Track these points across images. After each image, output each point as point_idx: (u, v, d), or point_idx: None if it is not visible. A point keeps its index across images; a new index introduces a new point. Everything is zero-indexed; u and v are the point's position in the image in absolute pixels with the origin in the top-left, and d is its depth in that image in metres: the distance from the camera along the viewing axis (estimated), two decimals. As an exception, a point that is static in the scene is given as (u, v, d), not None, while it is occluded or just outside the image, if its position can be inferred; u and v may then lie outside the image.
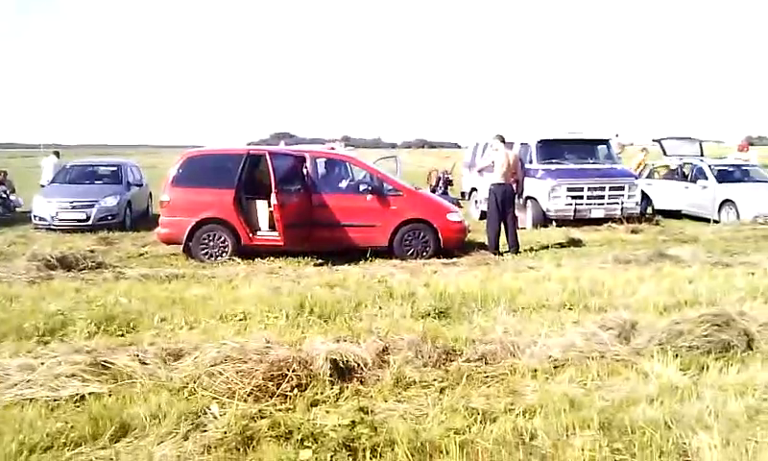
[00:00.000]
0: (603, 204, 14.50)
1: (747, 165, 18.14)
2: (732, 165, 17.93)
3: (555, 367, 5.03)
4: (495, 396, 4.54)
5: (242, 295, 7.47)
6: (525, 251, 11.29)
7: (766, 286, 7.82)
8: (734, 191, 15.80)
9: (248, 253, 10.40)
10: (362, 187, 10.92)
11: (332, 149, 13.26)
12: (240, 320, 6.45)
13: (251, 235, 10.44)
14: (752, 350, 5.28)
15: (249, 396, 4.40)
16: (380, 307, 6.91)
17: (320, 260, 10.03)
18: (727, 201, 15.71)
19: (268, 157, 10.01)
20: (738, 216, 15.22)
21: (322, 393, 4.52)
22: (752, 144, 31.42)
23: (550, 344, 5.37)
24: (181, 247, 10.47)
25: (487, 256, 10.28)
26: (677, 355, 5.09)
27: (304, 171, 10.67)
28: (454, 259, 10.01)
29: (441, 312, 6.72)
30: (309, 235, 10.34)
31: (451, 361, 5.10)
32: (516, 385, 4.73)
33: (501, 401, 4.41)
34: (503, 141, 11.34)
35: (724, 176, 16.60)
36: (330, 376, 4.69)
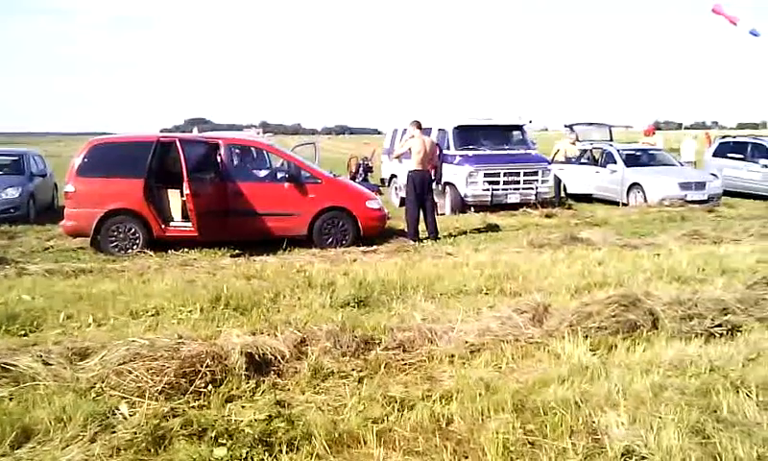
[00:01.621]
0: (519, 189, 14.82)
1: (653, 149, 18.97)
2: (640, 150, 18.71)
3: (471, 352, 5.10)
4: (413, 383, 4.57)
5: (154, 289, 7.22)
6: (444, 237, 11.42)
7: (671, 266, 8.19)
8: (642, 175, 16.49)
9: (160, 244, 10.06)
10: (279, 175, 10.74)
11: (260, 134, 12.97)
12: (152, 315, 6.24)
13: (163, 226, 10.10)
14: (657, 328, 5.48)
15: (160, 394, 4.24)
16: (299, 298, 6.83)
17: (237, 251, 9.82)
18: (635, 184, 16.38)
19: (179, 145, 9.69)
20: (646, 199, 15.89)
21: (237, 388, 4.41)
22: (659, 129, 32.98)
23: (467, 329, 5.43)
24: (89, 240, 10.02)
25: (406, 243, 10.34)
26: (587, 336, 5.25)
27: (218, 159, 10.37)
28: (374, 247, 10.01)
29: (360, 301, 6.70)
30: (225, 225, 10.09)
31: (370, 350, 5.08)
32: (434, 371, 4.78)
33: (419, 388, 4.44)
34: (420, 127, 11.39)
35: (632, 160, 17.28)
36: (246, 370, 4.59)
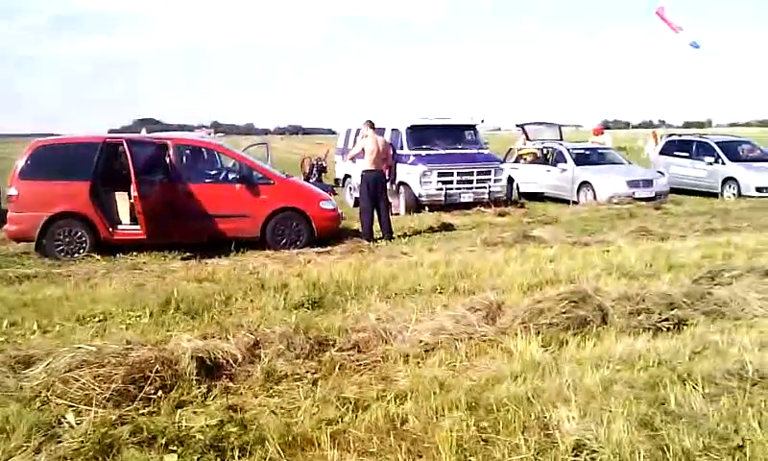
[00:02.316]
0: (472, 188, 14.95)
1: (602, 148, 19.38)
2: (589, 149, 19.09)
3: (426, 351, 5.11)
4: (368, 383, 4.55)
5: (101, 294, 7.05)
6: (399, 236, 11.44)
7: (620, 263, 8.36)
8: (591, 174, 16.82)
9: (108, 248, 9.82)
10: (230, 176, 10.60)
11: (211, 134, 12.77)
12: (99, 321, 6.10)
13: (110, 229, 9.85)
14: (606, 324, 5.58)
15: (108, 401, 4.13)
16: (251, 300, 6.75)
17: (187, 253, 9.64)
18: (585, 183, 16.70)
19: (126, 146, 9.46)
20: (595, 197, 16.21)
21: (188, 393, 4.34)
22: (607, 128, 33.74)
23: (421, 328, 5.45)
24: (34, 244, 9.71)
25: (361, 244, 10.31)
26: (539, 333, 5.30)
27: (167, 160, 10.16)
28: (328, 248, 9.96)
29: (314, 302, 6.66)
30: (175, 228, 9.88)
31: (324, 351, 5.05)
32: (389, 371, 4.77)
33: (373, 389, 4.43)
34: (372, 127, 11.38)
35: (582, 159, 17.60)
36: (197, 374, 4.52)
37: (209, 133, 28.42)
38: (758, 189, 17.25)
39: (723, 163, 18.30)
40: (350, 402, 4.18)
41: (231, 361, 4.79)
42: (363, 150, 11.21)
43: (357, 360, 4.95)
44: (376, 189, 11.15)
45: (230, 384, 4.55)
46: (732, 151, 18.90)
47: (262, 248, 10.04)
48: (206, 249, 9.76)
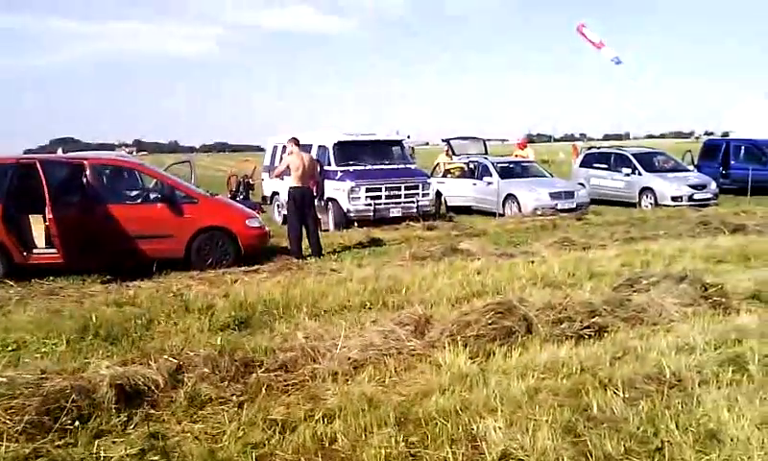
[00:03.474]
0: (400, 203, 15.04)
1: (526, 162, 19.88)
2: (513, 162, 19.54)
3: (355, 368, 5.08)
4: (296, 404, 4.48)
5: (15, 321, 6.71)
6: (328, 253, 11.37)
7: (544, 273, 8.56)
8: (516, 187, 17.21)
9: (23, 273, 9.35)
10: (152, 196, 10.29)
11: (133, 153, 12.38)
12: (12, 350, 5.83)
13: (25, 254, 9.39)
14: (531, 333, 5.68)
15: (20, 434, 3.92)
16: (175, 323, 6.56)
17: (108, 277, 9.28)
18: (510, 195, 17.06)
19: (40, 167, 9.05)
20: (520, 209, 16.58)
21: (107, 422, 4.17)
22: (532, 141, 34.73)
23: (350, 345, 5.41)
24: (-59, 272, 9.15)
25: (290, 261, 10.18)
26: (466, 345, 5.35)
27: (84, 180, 9.78)
28: (256, 266, 9.78)
29: (241, 322, 6.54)
30: (93, 250, 9.48)
31: (251, 373, 4.95)
32: (317, 390, 4.70)
33: (301, 409, 4.36)
34: (297, 144, 11.31)
35: (506, 172, 18.00)
36: (116, 402, 4.35)
37: (131, 152, 27.68)
38: (674, 198, 18.03)
39: (640, 174, 19.05)
40: (277, 424, 4.11)
41: (153, 387, 4.64)
42: (289, 167, 11.11)
43: (285, 380, 4.87)
44: (304, 206, 11.07)
45: (152, 411, 4.39)
46: (648, 162, 19.71)
47: (187, 269, 9.77)
48: (128, 271, 9.42)
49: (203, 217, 10.19)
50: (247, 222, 10.54)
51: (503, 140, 28.64)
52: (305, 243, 11.20)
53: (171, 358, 5.03)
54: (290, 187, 11.14)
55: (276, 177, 12.56)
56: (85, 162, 9.96)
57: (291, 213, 11.19)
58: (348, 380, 4.87)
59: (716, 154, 23.37)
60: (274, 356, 5.22)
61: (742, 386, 4.37)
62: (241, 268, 9.64)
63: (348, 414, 4.18)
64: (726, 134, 27.22)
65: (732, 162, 22.64)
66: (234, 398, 4.56)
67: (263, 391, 4.66)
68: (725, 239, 11.20)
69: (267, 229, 11.27)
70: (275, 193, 16.67)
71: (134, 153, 33.19)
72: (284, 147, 12.48)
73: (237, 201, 17.34)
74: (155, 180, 10.70)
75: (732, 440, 3.61)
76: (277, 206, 16.53)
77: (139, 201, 10.30)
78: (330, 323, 6.38)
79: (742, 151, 22.79)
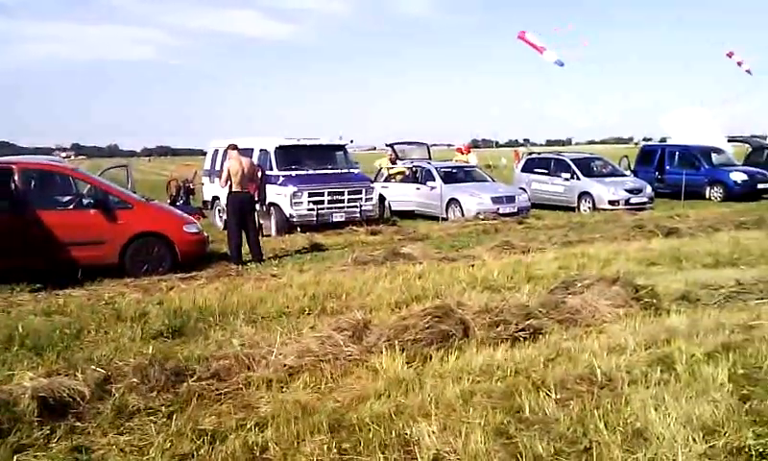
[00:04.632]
0: (343, 208, 14.98)
1: (469, 167, 20.10)
2: (456, 167, 19.74)
3: (290, 375, 5.01)
4: (227, 413, 4.38)
5: (-67, 334, 6.37)
6: (269, 258, 11.23)
7: (484, 276, 8.65)
8: (458, 191, 17.36)
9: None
10: (85, 201, 9.95)
11: (70, 157, 11.94)
12: (-70, 363, 5.51)
13: (-50, 262, 8.96)
14: (468, 337, 5.71)
15: (-66, 452, 3.72)
16: (106, 332, 6.38)
17: (37, 285, 8.92)
18: (453, 200, 17.20)
19: (-36, 172, 8.66)
20: (463, 213, 16.74)
21: (28, 436, 4.00)
22: (477, 147, 35.21)
23: (286, 352, 5.33)
24: None
25: (229, 267, 10.01)
26: (403, 349, 5.33)
27: (12, 186, 9.39)
28: (194, 273, 9.55)
29: (175, 331, 6.39)
30: (22, 257, 9.12)
31: (182, 382, 4.81)
32: (251, 399, 4.63)
33: (233, 418, 4.27)
34: (235, 149, 11.16)
35: (449, 177, 18.16)
36: (39, 415, 4.17)
37: (68, 156, 26.85)
38: (611, 202, 18.48)
39: (578, 179, 19.47)
40: (207, 434, 4.01)
41: (79, 399, 4.47)
42: (228, 172, 10.92)
43: (217, 389, 4.76)
44: (243, 211, 10.91)
45: (77, 424, 4.23)
46: (586, 167, 20.16)
47: (122, 276, 9.48)
48: (59, 279, 9.08)
49: (137, 223, 9.92)
50: (184, 227, 10.31)
51: (449, 145, 28.97)
52: (246, 249, 11.03)
53: (99, 369, 4.88)
54: (229, 192, 10.96)
55: (223, 186, 12.27)
56: (14, 167, 9.57)
57: (230, 218, 11.01)
58: (282, 388, 4.80)
59: (652, 159, 24.12)
60: (206, 364, 5.10)
61: (669, 385, 4.47)
62: (178, 275, 9.42)
63: (281, 422, 4.12)
64: (664, 140, 28.14)
65: (667, 167, 23.40)
66: (164, 408, 4.43)
67: (194, 400, 4.54)
68: (659, 242, 11.55)
69: (205, 234, 11.06)
70: (215, 198, 16.38)
71: (73, 157, 32.23)
72: (225, 152, 12.28)
73: (177, 206, 17.02)
74: (88, 185, 10.36)
75: (658, 438, 3.68)
76: (218, 211, 16.24)
77: (71, 206, 9.94)
78: (268, 329, 6.31)
79: (677, 156, 23.56)
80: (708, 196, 21.91)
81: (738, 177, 21.93)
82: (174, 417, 4.29)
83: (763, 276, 7.86)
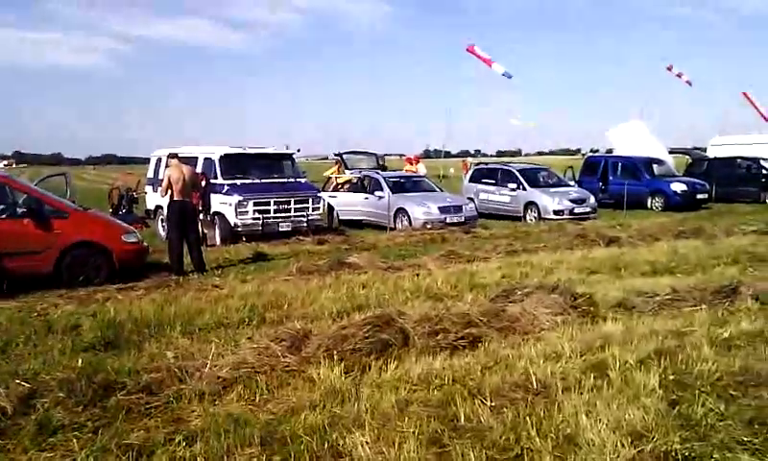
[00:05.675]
0: (290, 217, 14.84)
1: (417, 177, 20.19)
2: (404, 177, 19.80)
3: (224, 387, 4.90)
4: (156, 427, 4.25)
5: None
6: (212, 269, 11.01)
7: (428, 285, 8.65)
8: (406, 201, 17.40)
9: None
10: (18, 210, 9.59)
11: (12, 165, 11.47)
12: None
13: None
14: (408, 345, 5.69)
15: None
16: (35, 345, 6.12)
17: (-35, 297, 8.55)
18: (400, 209, 17.22)
19: None
20: (411, 223, 16.77)
21: (-57, 456, 3.79)
22: (428, 157, 35.46)
23: (222, 364, 5.22)
24: None
25: (169, 278, 9.78)
26: (342, 359, 5.28)
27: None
28: (132, 283, 9.30)
29: (108, 343, 6.18)
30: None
31: (110, 396, 4.65)
32: (182, 412, 4.50)
33: (162, 433, 4.13)
34: (176, 157, 10.95)
35: (397, 187, 18.18)
36: (-45, 434, 3.97)
37: (9, 164, 25.94)
38: (556, 212, 18.82)
39: (524, 189, 19.77)
40: (134, 449, 3.87)
41: (0, 415, 4.28)
42: (169, 181, 10.68)
43: (147, 403, 4.62)
44: (185, 220, 10.68)
45: (-3, 441, 4.03)
46: (532, 178, 20.49)
47: (57, 286, 9.17)
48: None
49: (73, 232, 9.60)
50: (123, 237, 10.04)
51: (401, 155, 29.05)
52: (188, 259, 10.80)
53: (23, 383, 4.69)
54: (170, 201, 10.73)
55: (163, 195, 12.01)
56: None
57: (171, 228, 10.77)
58: (215, 400, 4.68)
59: (596, 170, 24.70)
60: (137, 378, 4.94)
61: (602, 391, 4.52)
62: (115, 285, 9.15)
63: (212, 435, 4.01)
64: (610, 151, 28.83)
65: (611, 178, 23.99)
66: (90, 423, 4.28)
67: (122, 415, 4.39)
68: (600, 251, 11.78)
69: (145, 244, 10.80)
70: (158, 207, 16.03)
71: (14, 165, 31.19)
72: (167, 162, 12.03)
73: (119, 215, 16.61)
74: (22, 194, 9.99)
75: (588, 444, 3.71)
76: (161, 220, 15.90)
77: (3, 216, 9.57)
78: (204, 341, 6.15)
79: (619, 167, 24.18)
80: (649, 206, 22.53)
81: (678, 187, 22.62)
82: (100, 432, 4.15)
83: (698, 283, 8.07)
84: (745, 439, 3.71)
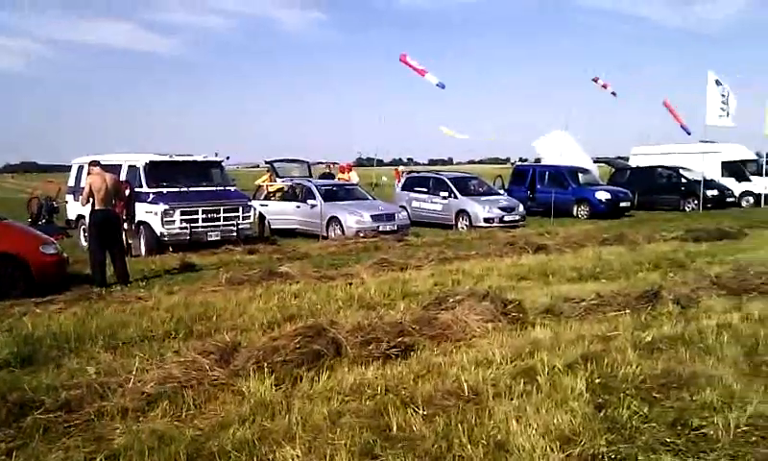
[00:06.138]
0: (219, 227, 14.53)
1: (349, 185, 20.17)
2: (337, 185, 19.75)
3: (149, 403, 4.71)
4: (76, 447, 4.04)
5: None
6: (136, 280, 10.64)
7: (361, 294, 8.61)
8: (338, 209, 17.32)
9: None
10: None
11: None
12: None
13: None
14: (340, 355, 5.63)
15: None
16: (-56, 364, 5.74)
17: None
18: (333, 218, 17.12)
19: None
20: (343, 231, 16.70)
21: None
22: (362, 165, 35.51)
23: (146, 379, 5.04)
24: None
25: (91, 290, 9.38)
26: (272, 372, 5.17)
27: None
28: (51, 297, 8.85)
29: (24, 359, 5.86)
30: None
31: (26, 415, 4.41)
32: (103, 430, 4.30)
33: (82, 452, 3.94)
34: (98, 164, 10.57)
35: (330, 195, 18.09)
36: None
37: None
38: (486, 220, 19.12)
39: (456, 198, 20.02)
40: (49, 472, 3.66)
41: None
42: (90, 189, 10.28)
43: (66, 421, 4.40)
44: (108, 230, 10.29)
45: None
46: (463, 186, 20.80)
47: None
48: None
49: None
50: (41, 248, 9.57)
51: (333, 163, 28.93)
52: (111, 270, 10.41)
53: (-72, 406, 4.38)
54: (91, 211, 10.32)
55: (84, 204, 11.56)
56: None
57: (93, 238, 10.34)
58: (139, 417, 4.50)
59: (524, 178, 25.28)
60: (56, 395, 4.71)
61: (531, 397, 4.58)
62: (33, 299, 8.70)
63: (135, 454, 3.85)
64: (538, 161, 29.55)
65: (538, 187, 24.60)
66: (3, 444, 4.04)
67: (39, 434, 4.17)
68: (529, 258, 12.02)
69: (65, 255, 10.35)
70: (80, 217, 15.42)
71: None
72: (88, 170, 11.58)
73: (39, 225, 15.92)
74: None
75: (518, 450, 3.74)
76: (83, 230, 15.30)
77: None
78: (128, 355, 5.94)
79: (547, 176, 24.82)
80: (575, 214, 23.20)
81: (603, 196, 23.40)
82: (14, 454, 3.93)
83: (622, 289, 8.33)
84: (668, 440, 3.82)
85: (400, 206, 19.70)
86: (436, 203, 20.46)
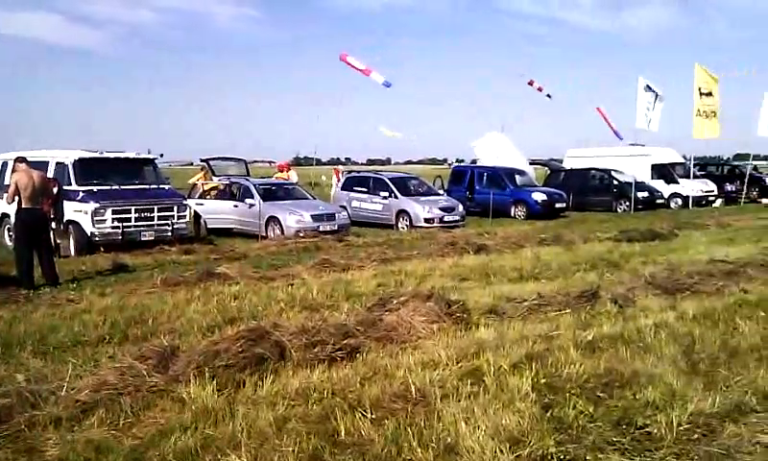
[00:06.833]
0: (153, 226, 14.10)
1: (288, 184, 19.93)
2: (276, 184, 19.48)
3: (83, 411, 4.48)
4: (6, 459, 3.83)
5: None
6: (66, 281, 10.18)
7: (303, 295, 8.49)
8: (278, 209, 17.09)
9: None
10: None
11: None
12: None
13: None
14: (284, 359, 5.50)
15: None
16: None
17: None
18: (272, 217, 16.88)
19: None
20: (283, 231, 16.47)
21: None
22: (299, 164, 35.15)
23: (80, 386, 4.81)
24: None
25: (17, 293, 8.94)
26: (214, 377, 5.00)
27: None
28: (-28, 301, 8.41)
29: (-56, 369, 5.51)
30: None
31: (-52, 429, 4.13)
32: (35, 441, 4.08)
33: (11, 466, 3.70)
34: (24, 161, 10.09)
35: (268, 194, 17.83)
36: None
37: None
38: (426, 220, 19.23)
39: (396, 198, 20.06)
40: (-24, 488, 3.43)
41: None
42: (16, 187, 9.78)
43: (-7, 433, 4.13)
44: (35, 229, 9.82)
45: None
46: (403, 186, 20.87)
47: None
48: None
49: None
50: (-38, 249, 9.07)
51: (271, 162, 28.51)
52: (39, 271, 9.94)
53: None
54: (18, 209, 9.83)
55: (10, 202, 11.00)
56: None
57: (20, 238, 9.85)
58: (73, 426, 4.27)
59: (463, 179, 25.59)
60: (-20, 406, 4.42)
61: (479, 398, 4.58)
62: (-48, 303, 8.24)
63: (70, 466, 3.64)
64: (475, 162, 29.92)
65: (477, 187, 24.93)
66: None
67: (-37, 449, 3.91)
68: (470, 258, 12.11)
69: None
70: (5, 215, 14.69)
71: None
72: (14, 166, 11.04)
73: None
74: None
75: (468, 452, 3.72)
76: (8, 229, 14.60)
77: None
78: (60, 361, 5.69)
79: (485, 177, 25.19)
80: (512, 214, 23.62)
81: (539, 197, 23.90)
82: (-67, 471, 3.66)
83: (561, 288, 8.48)
84: (615, 439, 3.88)
85: (340, 206, 19.60)
86: (376, 203, 20.45)
